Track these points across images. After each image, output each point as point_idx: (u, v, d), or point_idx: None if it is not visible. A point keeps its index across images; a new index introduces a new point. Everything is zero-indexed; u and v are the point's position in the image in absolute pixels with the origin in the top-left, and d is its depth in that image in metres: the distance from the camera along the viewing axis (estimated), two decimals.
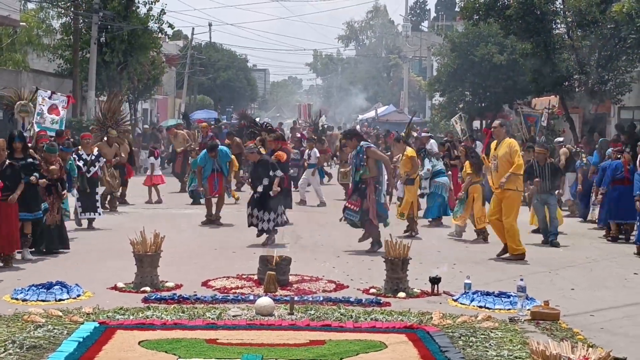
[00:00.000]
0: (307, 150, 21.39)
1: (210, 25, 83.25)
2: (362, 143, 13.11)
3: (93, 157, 15.27)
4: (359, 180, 12.95)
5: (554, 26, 24.13)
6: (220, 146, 16.68)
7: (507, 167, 12.35)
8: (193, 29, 67.54)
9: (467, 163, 14.80)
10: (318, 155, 21.29)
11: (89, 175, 14.93)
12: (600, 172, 15.87)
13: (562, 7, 24.06)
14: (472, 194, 14.42)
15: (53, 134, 16.56)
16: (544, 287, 10.08)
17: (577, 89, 24.24)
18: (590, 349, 6.26)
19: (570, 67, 23.81)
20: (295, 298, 8.91)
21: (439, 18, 71.08)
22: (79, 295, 9.10)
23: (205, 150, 16.60)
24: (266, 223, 13.33)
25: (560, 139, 21.38)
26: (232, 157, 17.57)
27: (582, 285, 10.42)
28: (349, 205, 13.04)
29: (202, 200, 17.02)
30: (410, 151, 15.42)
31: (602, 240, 14.82)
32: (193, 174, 18.38)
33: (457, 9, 42.74)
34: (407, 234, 14.49)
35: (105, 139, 17.97)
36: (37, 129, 17.26)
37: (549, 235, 14.24)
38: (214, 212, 16.05)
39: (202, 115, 40.23)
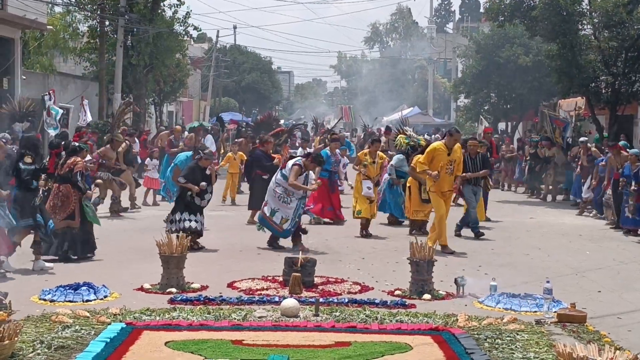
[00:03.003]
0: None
1: (235, 27, 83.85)
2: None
3: None
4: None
5: (580, 27, 23.96)
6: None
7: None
8: (218, 31, 68.26)
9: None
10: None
11: None
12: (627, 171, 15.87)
13: (588, 8, 23.89)
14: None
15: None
16: (570, 290, 10.01)
17: (603, 91, 24.06)
18: (617, 351, 6.23)
19: (597, 68, 23.64)
20: (321, 300, 8.93)
21: (463, 20, 70.94)
22: (105, 296, 9.17)
23: (190, 152, 15.51)
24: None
25: (584, 138, 21.33)
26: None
27: (609, 288, 10.34)
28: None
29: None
30: (382, 155, 15.68)
31: (631, 242, 14.70)
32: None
33: (482, 10, 42.62)
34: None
35: (108, 143, 17.65)
36: (52, 133, 18.44)
37: (472, 227, 14.69)
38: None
39: (228, 117, 40.34)
